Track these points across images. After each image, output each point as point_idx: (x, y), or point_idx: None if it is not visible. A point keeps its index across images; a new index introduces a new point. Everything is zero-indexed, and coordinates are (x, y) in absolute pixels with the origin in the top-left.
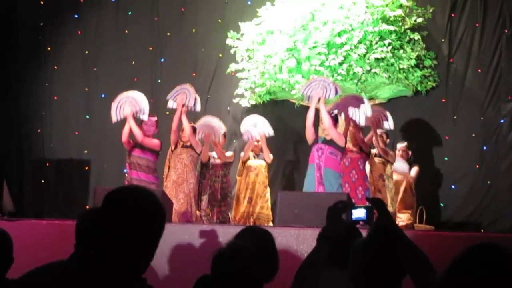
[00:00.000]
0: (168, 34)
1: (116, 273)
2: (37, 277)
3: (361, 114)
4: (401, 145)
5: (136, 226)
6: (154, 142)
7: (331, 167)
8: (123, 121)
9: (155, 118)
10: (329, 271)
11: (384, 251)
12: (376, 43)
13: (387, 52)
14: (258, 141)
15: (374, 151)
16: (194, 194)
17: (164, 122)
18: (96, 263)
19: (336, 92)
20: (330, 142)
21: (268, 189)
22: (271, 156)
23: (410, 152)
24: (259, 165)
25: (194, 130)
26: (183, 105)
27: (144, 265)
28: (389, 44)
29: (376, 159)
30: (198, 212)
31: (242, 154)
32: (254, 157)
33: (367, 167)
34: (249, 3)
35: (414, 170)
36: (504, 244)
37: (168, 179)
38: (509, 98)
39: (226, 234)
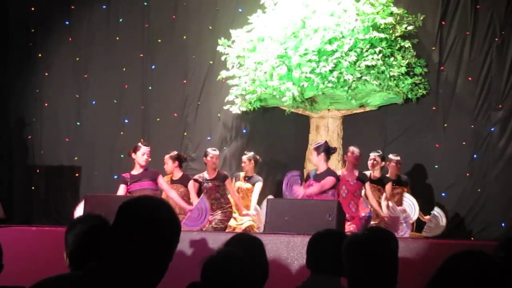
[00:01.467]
0: (159, 41)
1: (130, 286)
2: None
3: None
4: (395, 158)
5: (149, 239)
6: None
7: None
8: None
9: (148, 148)
10: (319, 278)
11: (382, 246)
12: (367, 50)
13: (378, 59)
14: (249, 160)
15: (367, 173)
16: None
17: (154, 129)
18: (110, 276)
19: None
20: (319, 177)
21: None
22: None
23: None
24: (245, 188)
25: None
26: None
27: (158, 279)
28: (380, 51)
29: (371, 185)
30: None
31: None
32: (245, 178)
33: (363, 191)
34: (240, 10)
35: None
36: (491, 251)
37: None
38: (499, 106)
39: (216, 241)
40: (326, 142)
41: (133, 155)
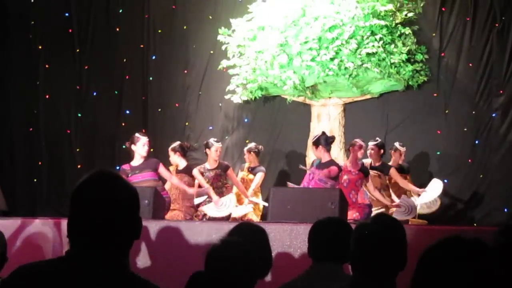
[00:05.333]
0: (159, 31)
1: (109, 264)
2: (28, 271)
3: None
4: (401, 148)
5: (110, 219)
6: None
7: None
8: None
9: (146, 138)
10: (321, 266)
11: (392, 233)
12: (367, 38)
13: (379, 47)
14: (249, 152)
15: (367, 161)
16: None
17: (156, 120)
18: (83, 260)
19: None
20: (322, 165)
21: (260, 195)
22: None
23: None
24: (248, 179)
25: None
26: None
27: (130, 246)
28: (380, 39)
29: (372, 172)
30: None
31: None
32: (249, 169)
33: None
34: None
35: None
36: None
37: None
38: (500, 92)
39: (219, 230)
40: (323, 133)
41: (132, 147)
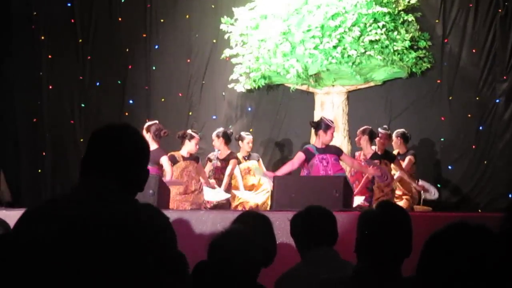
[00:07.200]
0: (162, 20)
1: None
2: (42, 208)
3: None
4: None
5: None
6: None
7: (339, 172)
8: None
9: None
10: (318, 251)
11: (398, 220)
12: (370, 25)
13: (381, 34)
14: (248, 142)
15: (374, 147)
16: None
17: (159, 110)
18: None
19: None
20: (327, 150)
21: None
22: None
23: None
24: (251, 165)
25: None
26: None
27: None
28: (383, 26)
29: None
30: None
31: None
32: (244, 158)
33: None
34: None
35: (407, 160)
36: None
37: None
38: (504, 77)
39: (223, 219)
40: (322, 118)
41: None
